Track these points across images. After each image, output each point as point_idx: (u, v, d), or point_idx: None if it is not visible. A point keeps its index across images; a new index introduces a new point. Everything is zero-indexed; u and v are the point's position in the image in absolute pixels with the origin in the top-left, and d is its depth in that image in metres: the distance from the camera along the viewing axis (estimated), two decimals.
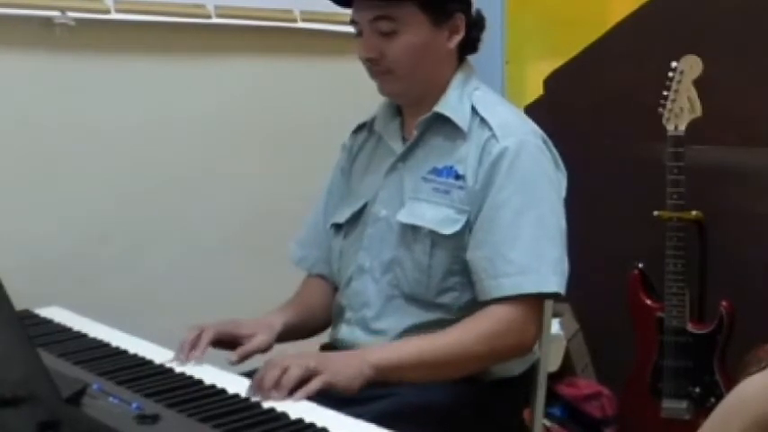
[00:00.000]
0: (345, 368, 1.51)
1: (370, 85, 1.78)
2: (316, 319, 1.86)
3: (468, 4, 1.77)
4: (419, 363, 1.58)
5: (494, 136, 1.68)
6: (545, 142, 1.73)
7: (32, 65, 2.22)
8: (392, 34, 1.68)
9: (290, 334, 1.76)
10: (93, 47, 2.31)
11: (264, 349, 1.69)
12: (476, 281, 1.66)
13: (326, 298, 1.88)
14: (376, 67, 1.72)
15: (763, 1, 2.65)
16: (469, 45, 1.79)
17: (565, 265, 1.67)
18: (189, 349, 1.59)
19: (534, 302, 1.65)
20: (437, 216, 1.69)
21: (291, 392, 1.42)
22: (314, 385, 1.44)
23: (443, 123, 1.74)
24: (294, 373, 1.43)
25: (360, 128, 1.92)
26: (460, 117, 1.72)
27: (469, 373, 1.65)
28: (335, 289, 1.88)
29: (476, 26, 1.78)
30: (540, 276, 1.62)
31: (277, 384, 1.42)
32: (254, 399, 1.39)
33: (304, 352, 1.62)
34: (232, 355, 1.64)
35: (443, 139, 1.74)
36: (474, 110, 1.73)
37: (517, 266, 1.62)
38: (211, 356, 1.63)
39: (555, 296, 1.68)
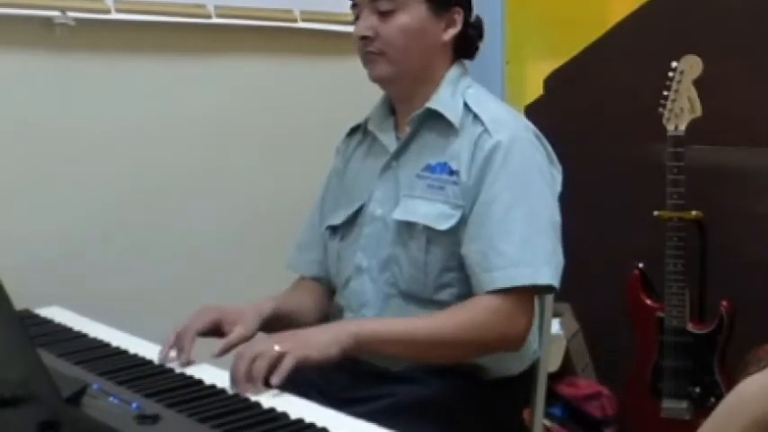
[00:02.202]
0: (317, 337, 1.52)
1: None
2: (307, 314, 1.84)
3: (469, 2, 1.78)
4: (399, 340, 1.59)
5: (486, 131, 1.68)
6: (538, 137, 1.74)
7: (32, 65, 2.22)
8: (390, 14, 1.70)
9: (278, 322, 1.73)
10: (93, 47, 2.31)
11: (248, 338, 1.66)
12: (470, 274, 1.66)
13: (318, 298, 1.88)
14: (369, 47, 1.72)
15: (763, 1, 2.65)
16: (465, 47, 1.80)
17: (558, 258, 1.66)
18: (167, 351, 1.59)
19: (525, 295, 1.64)
20: (432, 212, 1.69)
21: (266, 381, 1.43)
22: (285, 366, 1.45)
23: (436, 120, 1.74)
24: (261, 365, 1.45)
25: (353, 130, 1.92)
26: (453, 113, 1.72)
27: (451, 360, 1.65)
28: (330, 291, 1.88)
29: (474, 28, 1.79)
30: (534, 269, 1.62)
31: (249, 377, 1.43)
32: (233, 390, 1.41)
33: (274, 334, 1.61)
34: (216, 351, 1.62)
35: (436, 136, 1.74)
36: (466, 106, 1.73)
37: (510, 259, 1.62)
38: (210, 356, 1.63)
39: (548, 289, 1.68)
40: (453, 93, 1.75)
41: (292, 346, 1.49)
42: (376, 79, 1.76)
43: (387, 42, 1.71)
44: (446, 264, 1.69)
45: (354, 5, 1.76)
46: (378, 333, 1.58)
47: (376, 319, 1.70)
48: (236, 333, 1.63)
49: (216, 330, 1.68)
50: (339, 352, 1.52)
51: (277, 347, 1.48)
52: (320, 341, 1.52)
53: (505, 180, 1.65)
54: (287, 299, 1.84)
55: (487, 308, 1.62)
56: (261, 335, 1.68)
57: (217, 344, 1.63)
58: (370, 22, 1.72)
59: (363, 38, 1.72)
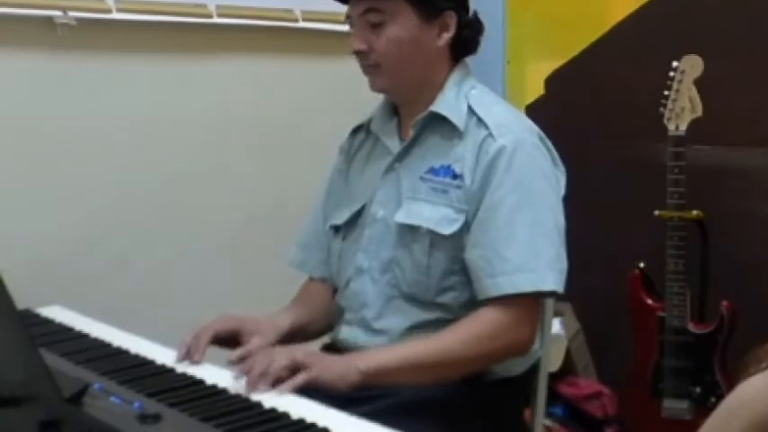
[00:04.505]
0: (333, 366, 1.55)
1: None
2: (319, 322, 1.86)
3: (461, 4, 1.77)
4: (407, 368, 1.60)
5: (490, 135, 1.68)
6: (542, 140, 1.73)
7: (34, 64, 2.22)
8: (380, 26, 1.70)
9: (295, 335, 1.77)
10: (94, 46, 2.31)
11: None
12: (474, 280, 1.66)
13: (328, 301, 1.88)
14: (365, 60, 1.73)
15: (763, 1, 2.65)
16: (465, 46, 1.79)
17: (563, 263, 1.66)
18: (185, 352, 1.60)
19: (529, 302, 1.65)
20: (435, 215, 1.69)
21: (276, 383, 1.45)
22: (300, 378, 1.47)
23: (440, 123, 1.74)
24: (280, 363, 1.47)
25: (356, 130, 1.92)
26: (457, 116, 1.72)
27: (463, 375, 1.65)
28: (336, 291, 1.88)
29: (470, 27, 1.78)
30: (537, 275, 1.62)
31: (263, 374, 1.44)
32: (234, 390, 1.42)
33: (293, 346, 1.63)
34: (232, 355, 1.64)
35: (440, 139, 1.74)
36: (470, 109, 1.73)
37: (514, 265, 1.62)
38: (213, 356, 1.63)
39: (552, 294, 1.68)
40: (457, 95, 1.74)
41: (313, 363, 1.51)
42: (376, 91, 1.77)
43: (381, 55, 1.71)
44: (449, 267, 1.69)
45: (349, 17, 1.76)
46: (385, 366, 1.58)
47: (382, 351, 1.67)
48: (255, 343, 1.64)
49: (231, 340, 1.69)
50: (347, 388, 1.53)
51: (300, 356, 1.50)
52: (335, 370, 1.53)
53: (510, 185, 1.64)
54: (300, 311, 1.85)
55: (492, 320, 1.62)
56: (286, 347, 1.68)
57: (228, 354, 1.64)
58: (362, 35, 1.71)
59: (358, 52, 1.72)
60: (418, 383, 1.61)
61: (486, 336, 1.61)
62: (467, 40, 1.79)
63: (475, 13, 1.80)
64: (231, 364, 1.58)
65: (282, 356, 1.49)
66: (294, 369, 1.49)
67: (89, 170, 2.32)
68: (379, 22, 1.70)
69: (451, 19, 1.74)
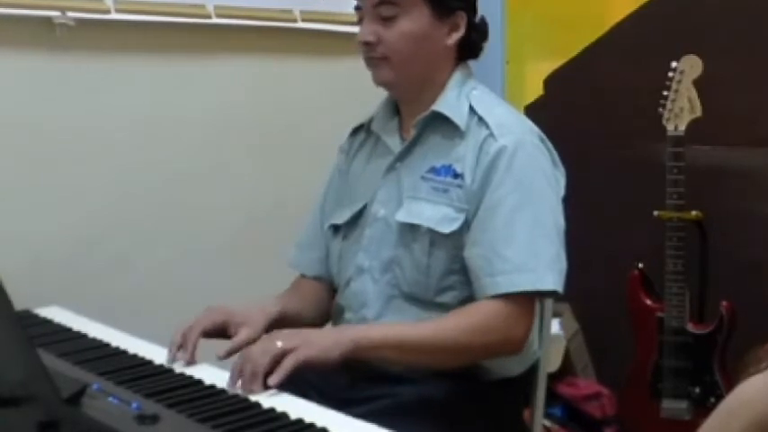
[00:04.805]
0: (319, 339, 1.54)
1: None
2: (310, 314, 1.85)
3: (472, 6, 1.78)
4: (398, 346, 1.59)
5: (491, 135, 1.68)
6: (543, 141, 1.74)
7: (32, 65, 2.22)
8: (392, 20, 1.70)
9: (284, 324, 1.74)
10: (93, 47, 2.31)
11: (255, 340, 1.65)
12: (473, 279, 1.66)
13: (320, 297, 1.88)
14: (372, 52, 1.72)
15: (763, 1, 2.65)
16: (470, 49, 1.79)
17: (562, 264, 1.66)
18: (176, 350, 1.60)
19: (526, 300, 1.65)
20: (436, 215, 1.69)
21: (267, 377, 1.45)
22: (287, 363, 1.47)
23: (441, 122, 1.74)
24: (263, 361, 1.46)
25: (357, 129, 1.92)
26: (458, 116, 1.72)
27: (453, 365, 1.65)
28: (332, 290, 1.88)
29: (477, 30, 1.79)
30: (537, 274, 1.62)
31: (254, 375, 1.45)
32: (233, 391, 1.43)
33: (276, 331, 1.61)
34: (220, 352, 1.62)
35: (441, 138, 1.74)
36: (472, 109, 1.73)
37: (513, 264, 1.62)
38: (211, 356, 1.63)
39: (552, 294, 1.68)
40: (458, 95, 1.74)
41: (295, 344, 1.50)
42: (379, 84, 1.77)
43: (389, 48, 1.71)
44: (449, 267, 1.69)
45: (358, 8, 1.76)
46: (377, 339, 1.58)
47: (376, 325, 1.69)
48: (242, 335, 1.64)
49: (221, 332, 1.68)
50: (339, 357, 1.53)
51: (280, 344, 1.50)
52: (322, 343, 1.53)
53: (510, 184, 1.65)
54: (291, 300, 1.84)
55: (489, 312, 1.62)
56: (266, 336, 1.67)
57: (220, 345, 1.64)
58: (372, 27, 1.71)
59: (366, 43, 1.72)
60: (406, 364, 1.62)
61: (482, 327, 1.61)
62: (473, 44, 1.79)
63: (482, 18, 1.81)
64: (220, 359, 1.58)
65: (265, 354, 1.47)
66: (280, 359, 1.47)
67: (89, 170, 2.32)
68: (391, 16, 1.70)
69: (462, 19, 1.74)
